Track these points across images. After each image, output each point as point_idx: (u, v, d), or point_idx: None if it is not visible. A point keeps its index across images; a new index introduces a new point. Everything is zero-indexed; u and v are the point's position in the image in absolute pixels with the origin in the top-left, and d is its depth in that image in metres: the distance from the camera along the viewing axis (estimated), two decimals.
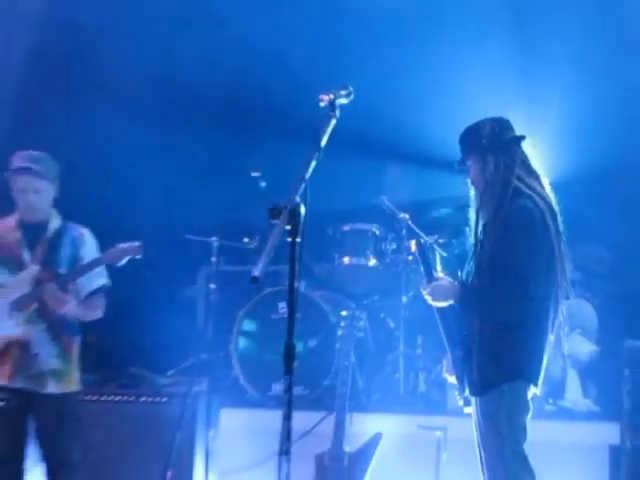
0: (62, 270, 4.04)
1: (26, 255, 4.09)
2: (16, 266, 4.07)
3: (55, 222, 4.16)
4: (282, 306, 4.94)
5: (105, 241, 4.14)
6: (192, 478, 4.57)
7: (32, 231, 4.14)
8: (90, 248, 4.15)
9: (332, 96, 2.53)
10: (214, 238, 4.92)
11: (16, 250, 4.11)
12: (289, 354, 2.24)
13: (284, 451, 2.27)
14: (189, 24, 5.82)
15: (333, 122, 2.54)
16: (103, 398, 4.78)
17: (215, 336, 4.95)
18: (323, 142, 2.46)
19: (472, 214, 3.42)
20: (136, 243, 3.96)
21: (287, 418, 2.23)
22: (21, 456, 4.01)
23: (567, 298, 3.24)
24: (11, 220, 4.14)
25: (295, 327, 2.29)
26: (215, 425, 4.79)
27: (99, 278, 4.09)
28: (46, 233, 4.13)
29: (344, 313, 4.78)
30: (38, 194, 4.04)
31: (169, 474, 4.39)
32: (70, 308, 3.98)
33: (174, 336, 5.45)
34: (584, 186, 5.00)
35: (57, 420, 4.12)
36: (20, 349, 3.97)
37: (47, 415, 4.03)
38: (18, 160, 4.02)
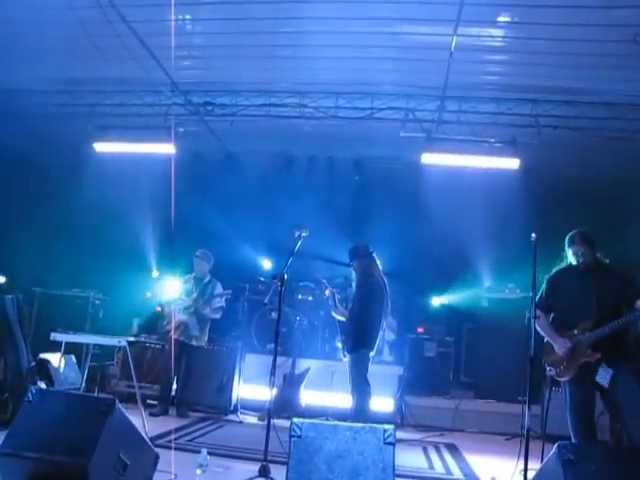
0: (207, 297, 6.66)
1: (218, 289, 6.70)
2: (191, 293, 6.74)
3: (207, 278, 6.86)
4: (273, 314, 6.88)
5: (224, 286, 6.89)
6: (233, 380, 7.03)
7: (198, 280, 6.82)
8: (218, 290, 6.80)
9: (300, 232, 4.64)
10: (247, 285, 8.44)
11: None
12: (276, 334, 4.41)
13: (272, 372, 4.28)
14: None
15: (300, 243, 4.64)
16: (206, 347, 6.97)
17: (245, 324, 8.10)
18: (295, 250, 4.60)
19: (353, 281, 5.67)
20: (229, 290, 6.77)
21: (274, 359, 4.29)
22: (174, 369, 6.51)
23: (387, 317, 5.64)
24: (192, 276, 6.85)
25: (279, 322, 4.38)
26: (243, 360, 7.32)
27: (220, 302, 6.74)
28: (203, 282, 6.84)
29: (298, 318, 7.82)
30: (208, 265, 6.73)
31: (224, 379, 6.99)
32: (208, 312, 6.63)
33: (230, 322, 8.09)
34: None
35: (198, 356, 6.64)
36: (184, 325, 6.60)
37: (190, 354, 6.58)
38: (197, 253, 6.76)
